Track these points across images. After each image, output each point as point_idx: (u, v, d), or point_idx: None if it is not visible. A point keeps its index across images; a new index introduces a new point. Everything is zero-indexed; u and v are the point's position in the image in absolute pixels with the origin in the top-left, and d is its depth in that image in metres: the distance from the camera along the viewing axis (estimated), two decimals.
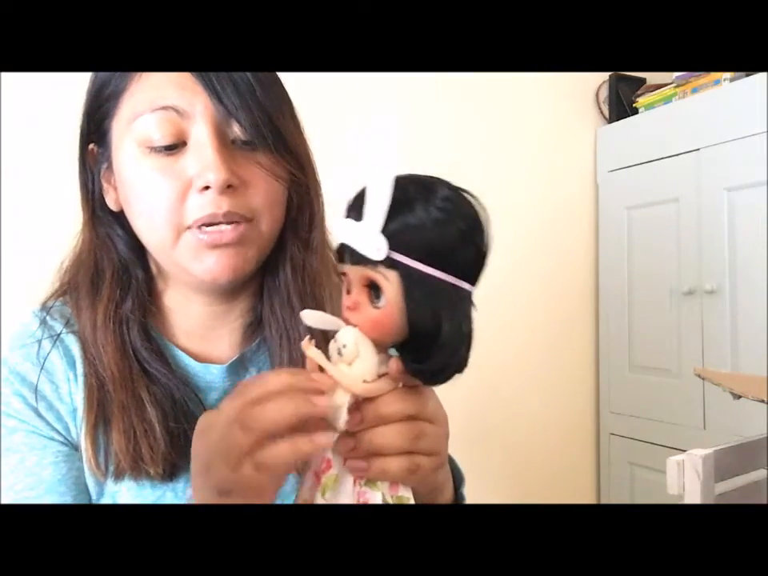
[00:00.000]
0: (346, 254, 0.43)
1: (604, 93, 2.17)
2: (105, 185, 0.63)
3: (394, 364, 0.44)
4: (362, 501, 0.45)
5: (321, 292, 0.65)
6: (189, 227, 0.57)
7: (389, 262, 0.41)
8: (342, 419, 0.43)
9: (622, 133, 2.08)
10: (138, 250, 0.63)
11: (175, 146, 0.56)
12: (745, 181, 1.70)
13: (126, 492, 0.58)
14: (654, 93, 2.03)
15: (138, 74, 0.57)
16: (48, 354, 0.60)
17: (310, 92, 0.65)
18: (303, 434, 0.41)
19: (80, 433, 0.59)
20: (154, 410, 0.58)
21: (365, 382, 0.43)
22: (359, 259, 0.41)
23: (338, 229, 0.43)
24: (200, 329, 0.65)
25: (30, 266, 0.89)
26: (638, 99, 2.09)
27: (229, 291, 0.64)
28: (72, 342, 0.61)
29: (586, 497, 2.13)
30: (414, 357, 0.43)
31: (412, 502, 0.46)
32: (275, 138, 0.58)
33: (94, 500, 0.59)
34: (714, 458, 0.71)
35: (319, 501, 0.44)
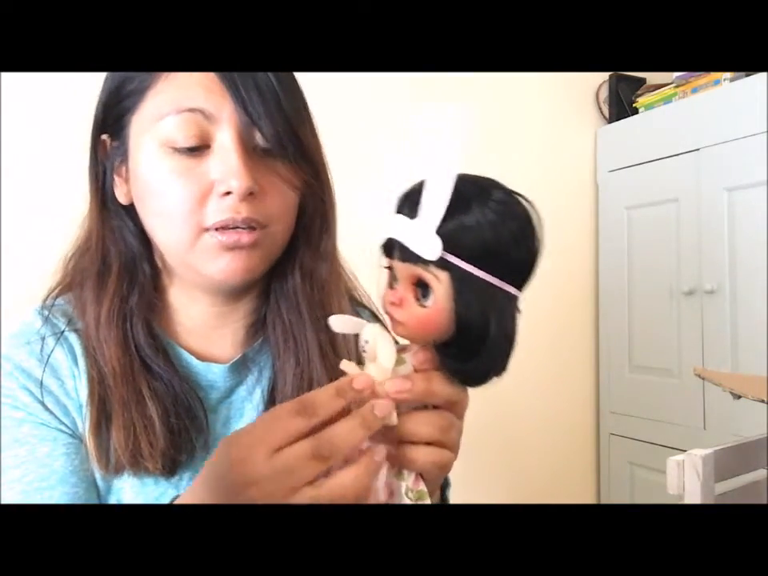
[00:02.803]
0: (395, 249, 0.42)
1: (604, 93, 2.17)
2: (116, 177, 0.62)
3: (417, 355, 0.44)
4: (389, 490, 0.45)
5: (329, 300, 0.65)
6: (206, 229, 0.57)
7: (441, 263, 0.40)
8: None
9: (621, 133, 2.08)
10: (146, 244, 0.63)
11: (198, 148, 0.56)
12: (745, 181, 1.70)
13: (129, 489, 0.58)
14: (654, 93, 2.03)
15: (165, 72, 0.57)
16: (52, 350, 0.60)
17: (316, 94, 0.64)
18: (364, 464, 0.42)
19: (86, 428, 0.59)
20: (155, 405, 0.58)
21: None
22: (409, 257, 0.41)
23: (390, 224, 0.42)
24: (203, 328, 0.65)
25: (30, 265, 0.89)
26: (638, 99, 2.09)
27: (234, 293, 0.64)
28: (75, 340, 0.61)
29: (586, 497, 2.13)
30: (456, 357, 0.42)
31: (428, 500, 0.46)
32: (294, 148, 0.58)
33: (102, 495, 0.59)
34: (714, 458, 0.71)
35: None
